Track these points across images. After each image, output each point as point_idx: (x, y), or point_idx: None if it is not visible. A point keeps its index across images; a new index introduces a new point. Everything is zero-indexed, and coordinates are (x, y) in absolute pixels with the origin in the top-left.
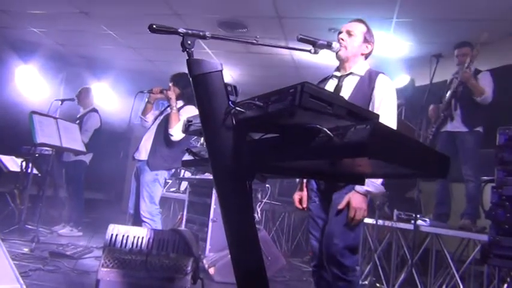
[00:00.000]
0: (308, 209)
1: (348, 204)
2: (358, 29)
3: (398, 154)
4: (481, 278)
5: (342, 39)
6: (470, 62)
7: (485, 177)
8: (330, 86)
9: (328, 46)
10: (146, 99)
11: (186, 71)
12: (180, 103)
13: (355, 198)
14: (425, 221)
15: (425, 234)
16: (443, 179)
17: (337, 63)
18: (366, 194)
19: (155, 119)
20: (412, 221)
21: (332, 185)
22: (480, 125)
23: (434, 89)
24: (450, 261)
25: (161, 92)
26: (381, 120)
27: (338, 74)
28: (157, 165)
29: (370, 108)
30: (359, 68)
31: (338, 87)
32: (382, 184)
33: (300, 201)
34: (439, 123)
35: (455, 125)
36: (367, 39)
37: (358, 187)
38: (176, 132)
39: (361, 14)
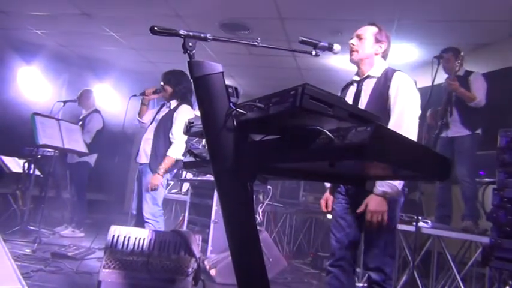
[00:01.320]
0: (332, 208)
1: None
2: (368, 32)
3: (399, 156)
4: (483, 280)
5: (352, 44)
6: (456, 70)
7: (486, 179)
8: (351, 91)
9: (330, 48)
10: (141, 101)
11: (188, 72)
12: (174, 102)
13: (371, 201)
14: (427, 223)
15: (427, 236)
16: (446, 182)
17: (339, 65)
18: (383, 195)
19: (153, 118)
20: (414, 223)
21: (361, 190)
22: (479, 127)
23: (436, 91)
24: (452, 263)
25: (155, 92)
26: (394, 122)
27: (357, 78)
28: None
29: (388, 106)
30: (375, 69)
31: (358, 92)
32: (402, 186)
33: (326, 204)
34: (438, 129)
35: (456, 130)
36: (378, 39)
37: (375, 189)
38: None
39: (364, 15)
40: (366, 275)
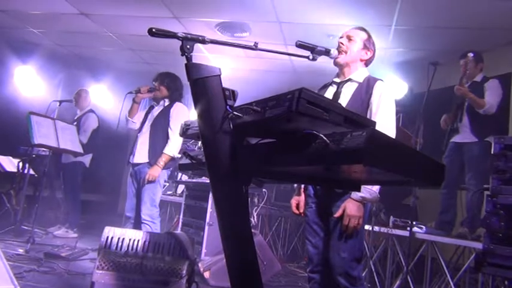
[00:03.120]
0: (304, 214)
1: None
2: (358, 36)
3: (394, 161)
4: (476, 285)
5: (342, 44)
6: (464, 76)
7: (485, 186)
8: (330, 92)
9: (327, 53)
10: (133, 99)
11: (185, 73)
12: (167, 101)
13: (350, 206)
14: (421, 228)
15: (421, 241)
16: (450, 188)
17: (337, 70)
18: (362, 200)
19: (144, 120)
20: (408, 228)
21: (329, 191)
22: (490, 135)
23: (431, 96)
24: (445, 268)
25: (149, 91)
26: (378, 126)
27: (337, 80)
28: None
29: (367, 115)
30: (358, 74)
31: (337, 94)
32: (379, 191)
33: (297, 206)
34: (447, 134)
35: (464, 136)
36: (367, 46)
37: (353, 194)
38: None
39: (361, 20)
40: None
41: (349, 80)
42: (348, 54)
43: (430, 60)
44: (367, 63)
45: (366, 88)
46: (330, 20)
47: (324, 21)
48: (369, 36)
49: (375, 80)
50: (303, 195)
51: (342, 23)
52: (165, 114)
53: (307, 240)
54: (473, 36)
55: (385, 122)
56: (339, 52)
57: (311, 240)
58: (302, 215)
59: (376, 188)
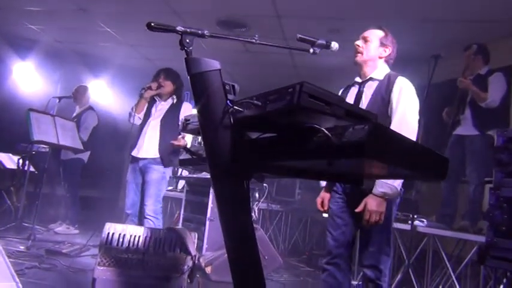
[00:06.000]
0: (329, 207)
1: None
2: (374, 35)
3: (397, 155)
4: (478, 278)
5: (358, 45)
6: (466, 68)
7: (486, 179)
8: (352, 93)
9: (327, 46)
10: (141, 95)
11: (185, 68)
12: (171, 99)
13: (370, 201)
14: (422, 221)
15: (422, 234)
16: (451, 181)
17: (337, 64)
18: (382, 196)
19: (148, 114)
20: (409, 222)
21: (358, 189)
22: (492, 128)
23: (433, 89)
24: (447, 262)
25: (157, 87)
26: (398, 122)
27: (359, 80)
28: (171, 159)
29: (389, 111)
30: (378, 72)
31: (359, 94)
32: (401, 186)
33: (322, 203)
34: (450, 126)
35: (466, 129)
36: (384, 43)
37: (374, 190)
38: None
39: (363, 13)
40: (361, 272)
41: (370, 79)
42: (365, 54)
43: (431, 53)
44: (387, 60)
45: (387, 85)
46: (330, 14)
47: (323, 15)
48: (386, 34)
49: (396, 76)
50: (328, 193)
51: (341, 16)
52: (175, 110)
53: (327, 232)
54: (475, 28)
55: (406, 117)
56: (356, 54)
57: (332, 233)
58: (326, 212)
59: (397, 184)
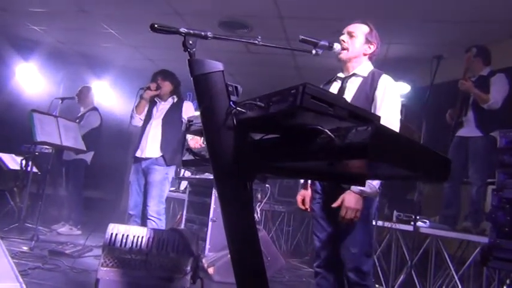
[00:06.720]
0: (311, 209)
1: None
2: (359, 30)
3: (400, 156)
4: (480, 279)
5: (343, 41)
6: (467, 71)
7: (489, 180)
8: (334, 88)
9: (330, 47)
10: (141, 96)
11: (188, 69)
12: (171, 99)
13: (348, 197)
14: (425, 222)
15: (425, 235)
16: (453, 182)
17: (339, 66)
18: (360, 193)
19: (149, 115)
20: (412, 223)
21: (337, 187)
22: (495, 129)
23: (435, 90)
24: (449, 263)
25: (157, 88)
26: (382, 120)
27: (342, 75)
28: (174, 159)
29: (372, 109)
30: (362, 69)
31: (342, 89)
32: (379, 185)
33: (303, 201)
34: (453, 128)
35: (468, 130)
36: (369, 39)
37: (353, 187)
38: None
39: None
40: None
41: (354, 74)
42: (351, 51)
43: (433, 54)
44: (371, 56)
45: (371, 82)
46: (332, 15)
47: (325, 16)
48: (371, 29)
49: (380, 73)
50: (309, 190)
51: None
52: (177, 109)
53: (314, 236)
54: (478, 29)
55: (389, 116)
56: (342, 49)
57: (318, 236)
58: (307, 210)
59: (376, 183)
